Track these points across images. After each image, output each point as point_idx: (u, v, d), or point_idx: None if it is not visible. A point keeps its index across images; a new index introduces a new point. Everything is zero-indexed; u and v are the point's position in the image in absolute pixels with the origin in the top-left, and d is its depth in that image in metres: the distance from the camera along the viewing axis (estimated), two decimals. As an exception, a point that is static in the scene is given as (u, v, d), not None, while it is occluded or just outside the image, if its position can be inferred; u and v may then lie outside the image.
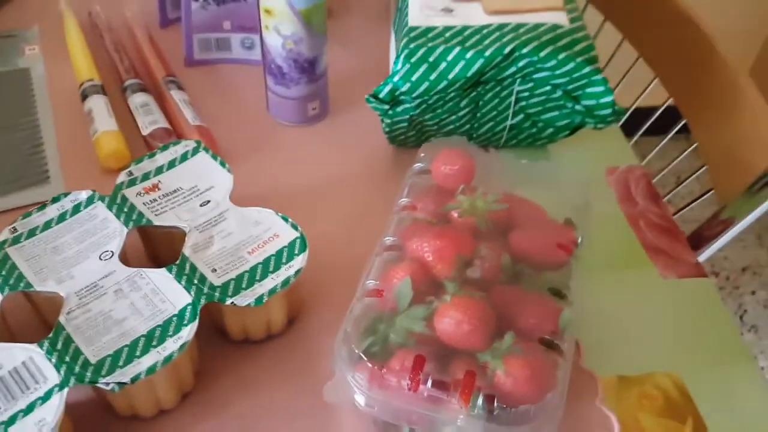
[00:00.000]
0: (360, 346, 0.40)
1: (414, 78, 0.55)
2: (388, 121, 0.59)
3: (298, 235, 0.49)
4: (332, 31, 0.75)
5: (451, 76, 0.55)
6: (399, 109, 0.57)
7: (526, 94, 0.58)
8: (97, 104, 0.63)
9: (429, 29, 0.57)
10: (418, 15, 0.58)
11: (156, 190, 0.51)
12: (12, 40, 0.73)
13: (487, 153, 0.53)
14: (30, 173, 0.60)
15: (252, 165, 0.62)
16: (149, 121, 0.62)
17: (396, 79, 0.56)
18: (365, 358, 0.40)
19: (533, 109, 0.59)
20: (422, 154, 0.52)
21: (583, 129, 0.62)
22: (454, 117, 0.59)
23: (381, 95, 0.56)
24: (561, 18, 0.58)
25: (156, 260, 0.53)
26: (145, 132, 0.61)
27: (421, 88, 0.55)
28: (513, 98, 0.58)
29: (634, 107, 0.89)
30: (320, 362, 0.49)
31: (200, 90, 0.69)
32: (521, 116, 0.60)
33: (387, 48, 0.71)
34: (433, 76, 0.55)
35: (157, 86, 0.67)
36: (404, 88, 0.55)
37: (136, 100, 0.64)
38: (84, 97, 0.64)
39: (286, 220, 0.50)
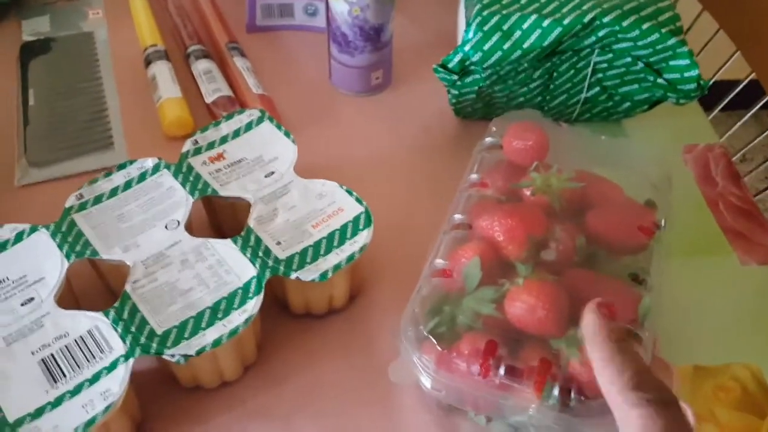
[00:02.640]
0: (427, 326, 0.39)
1: (486, 47, 0.53)
2: (456, 92, 0.57)
3: (362, 209, 0.47)
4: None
5: (525, 46, 0.52)
6: (468, 79, 0.55)
7: (604, 65, 0.55)
8: (161, 70, 0.62)
9: (503, -4, 0.54)
10: (491, -20, 0.55)
11: (221, 159, 0.50)
12: (76, 4, 0.73)
13: (560, 127, 0.51)
14: (93, 138, 0.60)
15: (313, 135, 0.61)
16: (212, 88, 0.61)
17: (467, 48, 0.53)
18: (433, 340, 0.39)
19: (611, 82, 0.56)
20: (493, 128, 0.50)
21: (662, 104, 0.58)
22: (525, 89, 0.57)
23: (450, 65, 0.54)
24: (644, -14, 0.54)
25: (218, 230, 0.52)
26: (208, 100, 0.60)
27: (494, 58, 0.53)
28: (590, 69, 0.55)
29: (712, 81, 0.85)
30: (381, 339, 0.48)
31: (262, 57, 0.68)
32: (597, 89, 0.57)
33: (453, 15, 0.68)
34: (506, 46, 0.52)
35: (220, 53, 0.65)
36: (475, 58, 0.53)
37: (200, 66, 0.63)
38: (147, 62, 0.64)
39: (350, 193, 0.48)
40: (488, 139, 0.50)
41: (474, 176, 0.48)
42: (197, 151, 0.51)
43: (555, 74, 0.56)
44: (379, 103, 0.65)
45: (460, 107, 0.59)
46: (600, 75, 0.56)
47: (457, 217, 0.45)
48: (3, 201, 0.55)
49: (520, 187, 0.45)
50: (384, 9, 0.59)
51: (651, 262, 0.43)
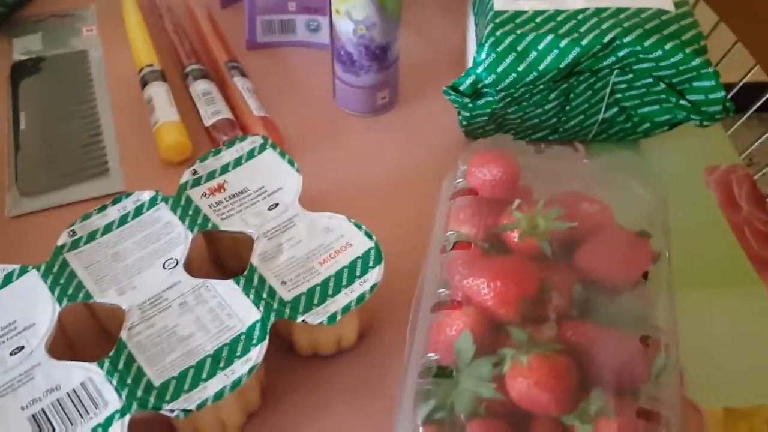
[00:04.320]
0: (420, 415, 0.35)
1: (500, 69, 0.50)
2: (467, 114, 0.54)
3: (372, 245, 0.45)
4: (402, 13, 0.71)
5: (542, 67, 0.50)
6: (480, 102, 0.52)
7: (623, 86, 0.52)
8: (158, 92, 0.60)
9: (517, 14, 0.51)
10: (504, -2, 0.53)
11: (222, 191, 0.47)
12: (69, 20, 0.71)
13: (535, 152, 0.47)
14: (88, 165, 0.57)
15: (317, 158, 0.58)
16: (212, 111, 0.58)
17: (479, 70, 0.50)
18: None
19: (630, 102, 0.54)
20: (462, 167, 0.46)
21: (683, 125, 0.56)
22: (540, 110, 0.54)
23: (461, 87, 0.52)
24: (665, 3, 0.51)
25: (220, 266, 0.49)
26: (207, 123, 0.58)
27: (508, 80, 0.50)
28: (608, 90, 0.53)
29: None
30: (393, 379, 0.45)
31: (262, 75, 0.65)
32: (615, 109, 0.54)
33: (460, 31, 0.65)
34: (521, 67, 0.50)
35: (219, 72, 0.63)
36: (488, 81, 0.50)
37: (198, 87, 0.60)
38: (144, 83, 0.61)
39: (359, 227, 0.46)
40: (458, 181, 0.46)
41: (450, 233, 0.43)
42: (197, 182, 0.48)
43: (572, 95, 0.53)
44: (385, 123, 0.62)
45: (470, 129, 0.57)
46: (619, 95, 0.53)
47: (442, 292, 0.41)
48: (-8, 233, 0.52)
49: (504, 231, 0.41)
50: (390, 27, 0.57)
51: (653, 302, 0.40)
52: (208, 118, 0.58)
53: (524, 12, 0.51)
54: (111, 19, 0.70)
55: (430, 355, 0.38)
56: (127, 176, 0.56)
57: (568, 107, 0.54)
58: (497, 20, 0.51)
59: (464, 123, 0.56)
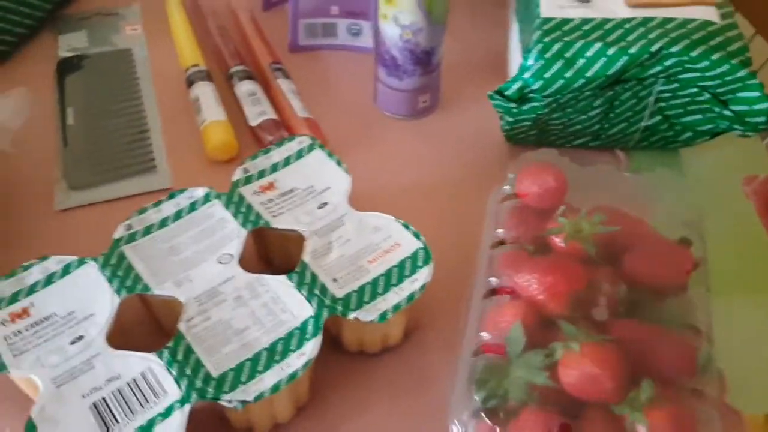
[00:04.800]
0: (476, 402, 0.37)
1: (547, 75, 0.51)
2: (510, 119, 0.55)
3: (420, 245, 0.45)
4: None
5: (589, 74, 0.50)
6: (526, 107, 0.53)
7: (668, 94, 0.53)
8: (204, 92, 0.61)
9: (564, 21, 0.52)
10: (551, 6, 0.53)
11: (272, 189, 0.48)
12: (113, 19, 0.72)
13: (582, 167, 0.49)
14: (135, 161, 0.58)
15: (359, 159, 0.59)
16: (257, 111, 0.59)
17: (527, 75, 0.51)
18: (488, 421, 0.36)
19: (673, 111, 0.54)
20: (510, 175, 0.48)
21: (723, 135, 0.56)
22: (584, 117, 0.55)
23: (508, 92, 0.52)
24: (711, 14, 0.52)
25: (268, 263, 0.50)
26: (253, 123, 0.59)
27: (555, 86, 0.51)
28: (653, 98, 0.53)
29: None
30: (437, 379, 0.46)
31: (304, 77, 0.66)
32: (659, 117, 0.55)
33: (502, 35, 0.66)
34: (569, 74, 0.50)
35: (263, 73, 0.64)
36: (535, 86, 0.51)
37: (243, 88, 0.61)
38: (190, 83, 0.62)
39: (407, 227, 0.46)
40: (506, 188, 0.48)
41: (499, 231, 0.46)
42: (248, 180, 0.49)
43: (616, 102, 0.54)
44: (425, 126, 0.63)
45: (513, 134, 0.58)
46: (663, 104, 0.54)
47: (491, 280, 0.43)
48: (43, 226, 0.54)
49: (549, 234, 0.43)
50: (436, 32, 0.57)
51: (695, 304, 0.41)
52: (253, 118, 0.59)
53: (571, 20, 0.52)
54: (155, 18, 0.71)
55: (482, 334, 0.39)
56: (175, 173, 0.57)
57: (612, 114, 0.55)
58: (545, 27, 0.52)
59: (507, 128, 0.57)
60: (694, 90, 0.52)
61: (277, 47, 0.68)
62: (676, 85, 0.52)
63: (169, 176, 0.57)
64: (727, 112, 0.52)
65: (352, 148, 0.60)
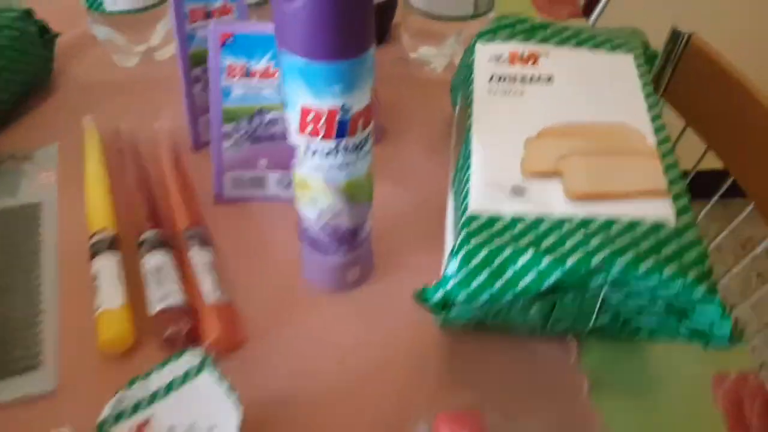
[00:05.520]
0: None
1: (473, 286, 0.44)
2: (439, 319, 0.48)
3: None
4: (382, 157, 0.66)
5: (520, 288, 0.43)
6: (454, 312, 0.46)
7: (618, 297, 0.46)
8: (106, 266, 0.54)
9: (492, 220, 0.45)
10: (481, 196, 0.47)
11: (148, 428, 0.41)
12: (26, 165, 0.66)
13: (507, 421, 0.42)
14: (20, 354, 0.51)
15: (276, 338, 0.52)
16: (160, 295, 0.53)
17: (449, 285, 0.44)
18: None
19: (627, 313, 0.47)
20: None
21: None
22: (522, 319, 0.48)
23: (431, 301, 0.45)
24: (664, 209, 0.45)
25: None
26: (152, 309, 0.52)
27: (482, 298, 0.44)
28: (599, 300, 0.46)
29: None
30: None
31: (228, 233, 0.60)
32: (609, 316, 0.48)
33: (446, 178, 0.60)
34: (497, 285, 0.44)
35: (179, 238, 0.57)
36: (460, 297, 0.44)
37: (151, 262, 0.55)
38: (93, 254, 0.56)
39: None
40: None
41: None
42: (118, 418, 0.42)
43: (557, 307, 0.47)
44: (356, 300, 0.56)
45: (447, 325, 0.51)
46: (613, 303, 0.47)
47: None
48: None
49: None
50: (360, 211, 0.51)
51: None
52: (154, 302, 0.52)
53: (501, 217, 0.45)
54: (72, 162, 0.65)
55: None
56: (63, 371, 0.51)
57: (552, 319, 0.48)
58: (471, 226, 0.45)
59: (440, 322, 0.50)
60: (647, 299, 0.45)
61: (205, 196, 0.62)
62: (625, 292, 0.45)
63: (55, 376, 0.50)
64: (684, 328, 0.45)
65: (272, 324, 0.53)
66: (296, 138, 0.46)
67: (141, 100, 0.74)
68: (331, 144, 0.45)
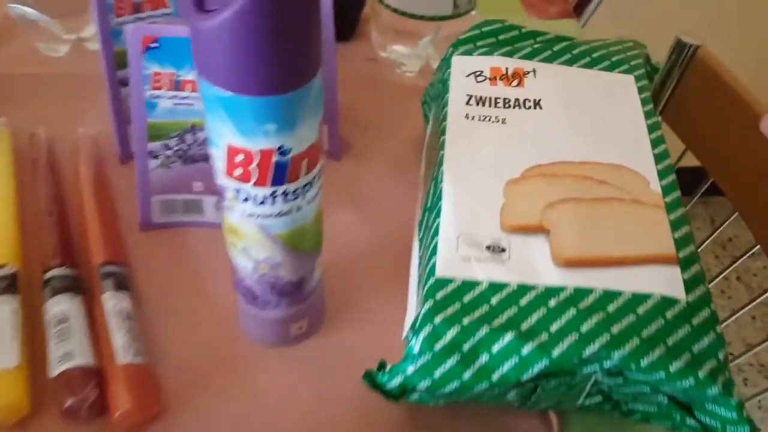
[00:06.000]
0: None
1: (438, 374, 0.35)
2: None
3: None
4: (341, 177, 0.57)
5: (495, 378, 0.35)
6: (412, 399, 0.38)
7: (610, 384, 0.38)
8: (1, 312, 0.45)
9: (465, 286, 0.37)
10: (451, 256, 0.38)
11: None
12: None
13: None
14: None
15: (203, 406, 0.44)
16: (62, 353, 0.43)
17: (410, 371, 0.36)
18: None
19: (619, 397, 0.39)
20: None
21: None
22: (499, 401, 0.40)
23: (387, 387, 0.37)
24: (673, 279, 0.37)
25: None
26: (53, 372, 0.43)
27: (449, 388, 0.36)
28: (589, 386, 0.38)
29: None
30: None
31: (156, 266, 0.51)
32: (599, 398, 0.40)
33: (415, 205, 0.51)
34: (467, 375, 0.35)
35: (93, 276, 0.48)
36: (422, 386, 0.36)
37: (54, 310, 0.46)
38: (-13, 296, 0.46)
39: None
40: None
41: None
42: None
43: (539, 390, 0.38)
44: (302, 356, 0.47)
45: (406, 399, 0.42)
46: (605, 388, 0.39)
47: None
48: None
49: None
50: (305, 262, 0.42)
51: None
52: (55, 362, 0.43)
53: (477, 284, 0.37)
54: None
55: None
56: (-62, 446, 0.42)
57: (533, 399, 0.40)
58: (438, 295, 0.37)
59: (396, 395, 0.42)
60: (646, 389, 0.37)
61: (131, 218, 0.53)
62: (620, 379, 0.37)
63: (-72, 454, 0.41)
64: (691, 422, 0.37)
65: (198, 396, 0.45)
66: (223, 180, 0.37)
67: (66, 98, 0.64)
68: (265, 191, 0.36)
